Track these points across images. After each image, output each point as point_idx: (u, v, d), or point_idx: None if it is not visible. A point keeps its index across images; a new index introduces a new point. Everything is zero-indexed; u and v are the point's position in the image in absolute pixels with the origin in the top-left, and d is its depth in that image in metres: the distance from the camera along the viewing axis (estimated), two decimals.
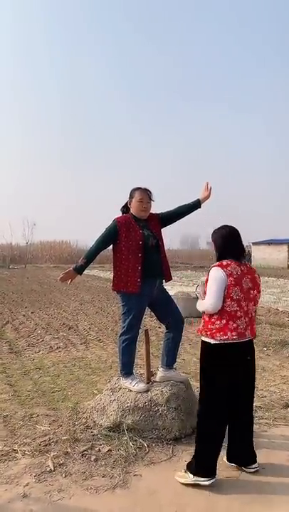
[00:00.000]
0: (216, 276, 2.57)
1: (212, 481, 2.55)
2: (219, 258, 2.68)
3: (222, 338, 2.56)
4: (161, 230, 3.47)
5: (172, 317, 3.43)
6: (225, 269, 2.57)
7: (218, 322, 2.58)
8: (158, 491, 2.53)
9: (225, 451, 2.76)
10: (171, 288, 8.67)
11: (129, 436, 3.06)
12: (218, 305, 2.55)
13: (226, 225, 2.77)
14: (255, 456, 2.74)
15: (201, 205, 3.53)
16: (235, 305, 2.57)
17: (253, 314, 2.70)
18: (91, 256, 3.34)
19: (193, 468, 2.57)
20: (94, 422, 3.33)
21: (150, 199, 3.36)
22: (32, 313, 9.58)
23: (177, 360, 3.72)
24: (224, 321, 2.56)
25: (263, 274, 22.59)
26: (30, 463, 2.83)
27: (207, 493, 2.50)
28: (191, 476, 2.57)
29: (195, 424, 3.28)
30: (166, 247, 3.52)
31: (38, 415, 3.65)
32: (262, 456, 2.93)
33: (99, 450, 2.97)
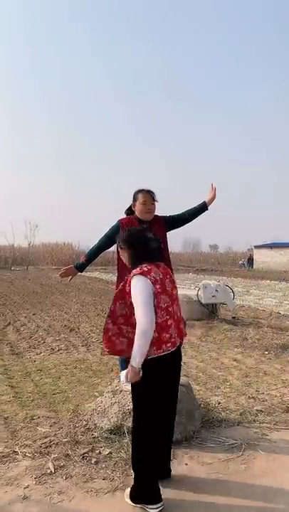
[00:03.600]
0: (141, 286, 2.29)
1: (160, 507, 2.35)
2: (134, 263, 2.42)
3: (157, 352, 2.32)
4: (167, 233, 3.47)
5: None
6: (149, 276, 2.31)
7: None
8: None
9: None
10: None
11: (130, 438, 3.05)
12: (152, 323, 2.25)
13: (129, 228, 2.58)
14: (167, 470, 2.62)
15: (208, 207, 3.52)
16: (165, 313, 2.34)
17: (179, 314, 2.52)
18: (92, 255, 3.37)
19: (139, 493, 2.41)
20: (95, 424, 3.33)
21: (154, 200, 3.35)
22: (33, 314, 9.59)
23: None
24: (156, 334, 2.30)
25: (265, 278, 22.56)
26: (31, 465, 2.83)
27: (207, 495, 2.50)
28: (139, 504, 2.40)
29: (195, 427, 3.29)
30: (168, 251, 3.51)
31: (38, 417, 3.65)
32: (263, 460, 2.93)
33: (100, 453, 2.97)
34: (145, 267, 2.35)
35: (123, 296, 2.39)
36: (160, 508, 2.34)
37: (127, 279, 2.39)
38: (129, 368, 2.29)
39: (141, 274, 2.31)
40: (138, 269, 2.35)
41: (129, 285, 2.33)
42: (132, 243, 2.46)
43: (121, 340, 2.43)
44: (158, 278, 2.35)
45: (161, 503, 2.35)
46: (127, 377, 2.30)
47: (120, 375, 2.57)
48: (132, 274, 2.36)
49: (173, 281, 2.51)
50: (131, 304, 2.32)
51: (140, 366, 2.27)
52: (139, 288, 2.28)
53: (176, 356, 2.50)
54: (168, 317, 2.36)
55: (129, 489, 2.47)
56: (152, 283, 2.30)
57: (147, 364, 2.29)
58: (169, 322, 2.37)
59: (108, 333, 2.44)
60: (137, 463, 2.42)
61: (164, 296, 2.34)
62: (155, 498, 2.35)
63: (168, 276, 2.46)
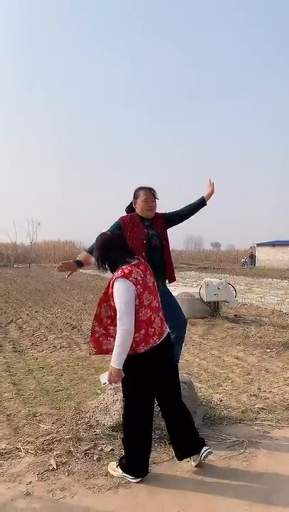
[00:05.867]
0: (123, 288, 2.37)
1: (139, 479, 2.60)
2: (113, 267, 2.51)
3: (146, 347, 2.46)
4: (167, 230, 3.47)
5: (175, 319, 3.42)
6: (130, 278, 2.39)
7: (137, 335, 2.43)
8: (160, 490, 2.53)
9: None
10: (175, 289, 8.65)
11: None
12: (133, 323, 2.38)
13: (102, 233, 2.65)
14: (199, 441, 2.70)
15: (207, 202, 3.53)
16: (149, 310, 2.46)
17: (158, 305, 2.60)
18: (93, 251, 3.35)
19: (124, 464, 2.64)
20: (97, 421, 3.34)
21: (155, 197, 3.35)
22: (36, 312, 9.61)
23: (180, 360, 3.72)
24: (143, 331, 2.44)
25: (267, 276, 22.52)
26: (33, 461, 2.85)
27: (209, 493, 2.51)
28: (120, 471, 2.64)
29: (197, 424, 3.29)
30: (170, 248, 3.51)
31: (41, 414, 3.67)
32: (264, 458, 2.93)
33: (101, 449, 2.98)
34: (126, 269, 2.43)
35: (107, 298, 2.50)
36: (138, 480, 2.59)
37: (109, 282, 2.47)
38: (111, 369, 2.43)
39: (122, 276, 2.39)
40: (119, 271, 2.43)
41: (112, 288, 2.41)
42: (104, 252, 2.56)
43: (108, 339, 2.56)
44: (139, 278, 2.44)
45: (140, 478, 2.60)
46: (109, 379, 2.46)
47: (100, 377, 2.57)
48: (114, 278, 2.44)
49: (152, 274, 2.59)
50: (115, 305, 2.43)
51: (121, 367, 2.41)
52: (121, 290, 2.37)
53: (165, 344, 2.59)
54: (151, 313, 2.50)
55: (113, 462, 2.72)
56: (134, 284, 2.39)
57: (137, 359, 2.47)
58: (153, 317, 2.51)
59: (95, 334, 2.59)
60: (125, 440, 2.68)
61: (146, 294, 2.46)
62: (136, 472, 2.60)
63: (148, 271, 2.55)
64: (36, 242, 39.20)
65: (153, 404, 2.69)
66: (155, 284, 2.60)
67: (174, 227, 3.55)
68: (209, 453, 2.67)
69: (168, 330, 2.67)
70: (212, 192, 3.52)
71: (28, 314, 9.34)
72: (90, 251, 3.26)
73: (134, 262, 2.52)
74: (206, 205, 3.53)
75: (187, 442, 2.69)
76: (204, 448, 2.67)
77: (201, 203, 3.52)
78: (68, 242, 44.51)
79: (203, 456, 2.66)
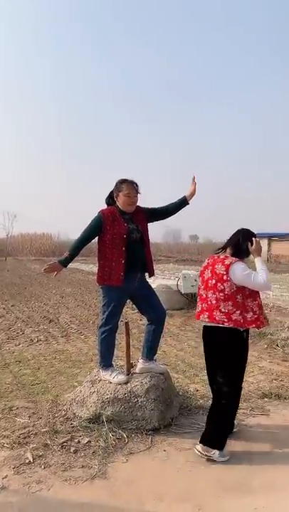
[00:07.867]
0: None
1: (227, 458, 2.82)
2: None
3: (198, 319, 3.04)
4: (147, 224, 3.45)
5: (154, 311, 3.44)
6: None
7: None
8: (137, 480, 2.56)
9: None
10: (153, 281, 8.67)
11: (109, 427, 3.07)
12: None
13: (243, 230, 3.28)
14: (205, 439, 2.84)
15: (189, 202, 3.51)
16: (200, 290, 2.99)
17: (213, 302, 2.84)
18: (76, 249, 3.31)
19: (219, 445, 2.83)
20: (74, 413, 3.34)
21: (137, 192, 3.33)
22: (12, 306, 9.47)
23: (158, 351, 3.74)
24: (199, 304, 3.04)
25: None
26: (9, 455, 2.82)
27: (185, 481, 2.55)
28: (217, 452, 2.79)
29: (173, 414, 3.34)
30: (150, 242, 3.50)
31: (17, 408, 3.63)
32: (240, 445, 3.00)
33: (78, 441, 2.98)
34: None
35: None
36: (227, 458, 2.79)
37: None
38: None
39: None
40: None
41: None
42: None
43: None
44: (203, 265, 3.01)
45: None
46: None
47: None
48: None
49: (214, 273, 2.85)
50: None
51: None
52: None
53: (206, 334, 3.05)
54: (199, 293, 3.01)
55: (200, 445, 2.83)
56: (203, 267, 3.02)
57: None
58: (198, 298, 3.00)
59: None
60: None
61: (200, 278, 3.00)
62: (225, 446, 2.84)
63: (209, 267, 2.92)
64: (12, 234, 38.56)
65: (217, 382, 2.93)
66: (211, 280, 2.87)
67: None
68: (197, 449, 2.84)
69: (207, 321, 2.94)
70: (194, 192, 3.49)
71: (4, 308, 9.19)
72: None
73: (216, 255, 3.01)
74: (188, 204, 3.51)
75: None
76: (199, 445, 2.84)
77: (183, 202, 3.49)
78: (45, 234, 43.94)
79: (195, 447, 2.87)
